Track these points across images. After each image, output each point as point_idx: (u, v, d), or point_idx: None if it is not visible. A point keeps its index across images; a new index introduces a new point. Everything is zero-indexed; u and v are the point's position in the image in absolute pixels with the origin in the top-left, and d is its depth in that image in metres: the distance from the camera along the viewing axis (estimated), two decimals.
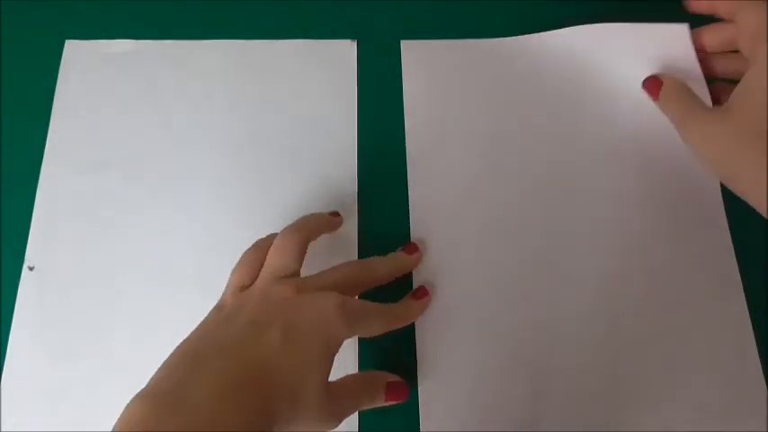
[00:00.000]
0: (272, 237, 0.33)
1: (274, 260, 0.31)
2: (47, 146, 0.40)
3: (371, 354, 0.35)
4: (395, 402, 0.32)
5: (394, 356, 0.35)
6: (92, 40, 0.43)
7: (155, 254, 0.38)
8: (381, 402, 0.32)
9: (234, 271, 0.32)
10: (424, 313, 0.35)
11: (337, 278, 0.31)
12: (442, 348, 0.35)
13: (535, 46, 0.41)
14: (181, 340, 0.36)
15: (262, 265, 0.32)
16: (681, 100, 0.35)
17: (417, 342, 0.35)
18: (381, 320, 0.32)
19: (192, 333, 0.29)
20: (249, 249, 0.33)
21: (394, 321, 0.33)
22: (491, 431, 0.33)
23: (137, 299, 0.37)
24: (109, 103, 0.41)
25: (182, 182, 0.39)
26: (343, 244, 0.37)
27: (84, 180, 0.39)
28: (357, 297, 0.34)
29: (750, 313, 0.34)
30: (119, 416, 0.25)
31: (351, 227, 0.38)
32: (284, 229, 0.32)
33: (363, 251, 0.37)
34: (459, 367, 0.34)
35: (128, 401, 0.26)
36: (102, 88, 0.42)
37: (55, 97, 0.41)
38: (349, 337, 0.29)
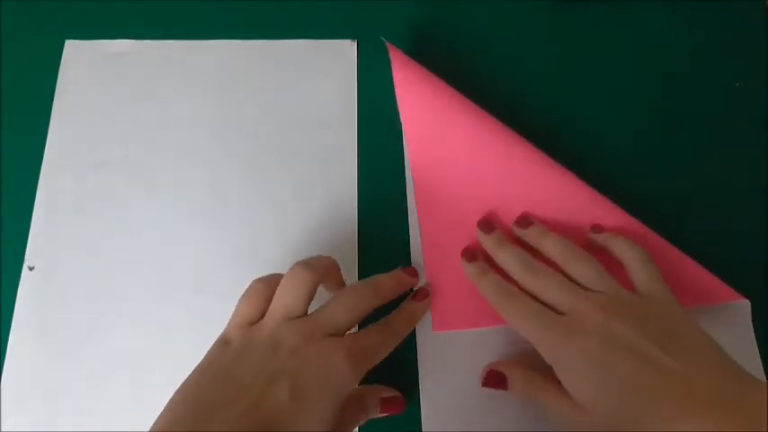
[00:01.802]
0: (280, 275, 0.32)
1: (284, 298, 0.30)
2: (47, 146, 0.40)
3: None
4: (391, 414, 0.32)
5: (394, 357, 0.35)
6: (92, 40, 0.43)
7: (154, 254, 0.38)
8: (377, 415, 0.32)
9: (241, 302, 0.31)
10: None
11: (346, 311, 0.31)
12: (442, 349, 0.35)
13: None
14: (180, 340, 0.36)
15: (269, 300, 0.31)
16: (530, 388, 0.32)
17: (417, 342, 0.35)
18: (387, 347, 0.31)
19: (198, 371, 0.29)
20: (258, 282, 0.32)
21: (398, 338, 0.32)
22: (491, 431, 0.33)
23: (136, 299, 0.37)
24: (109, 103, 0.41)
25: (182, 182, 0.39)
26: (344, 244, 0.37)
27: (84, 180, 0.39)
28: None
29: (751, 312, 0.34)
30: None
31: (351, 226, 0.38)
32: (296, 265, 0.31)
33: (363, 250, 0.37)
34: (459, 367, 0.34)
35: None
36: (102, 88, 0.42)
37: (55, 97, 0.41)
38: (359, 378, 0.29)
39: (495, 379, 0.33)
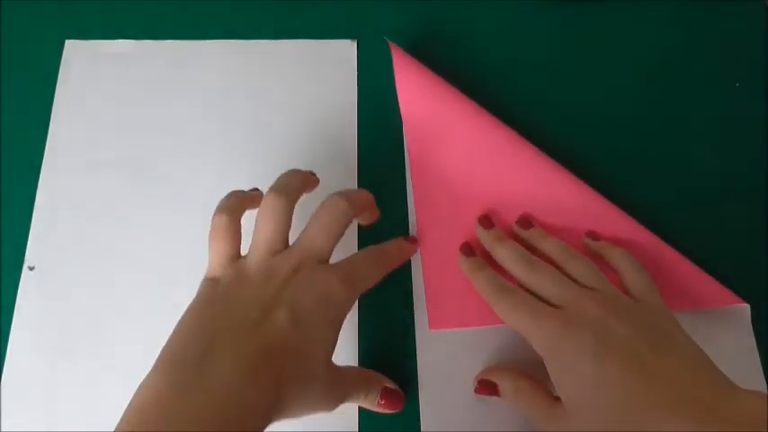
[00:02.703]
0: (237, 196, 0.32)
1: (264, 233, 0.30)
2: (47, 146, 0.40)
3: (372, 354, 0.35)
4: (388, 411, 0.32)
5: (394, 357, 0.35)
6: (92, 40, 0.43)
7: (155, 254, 0.38)
8: (374, 403, 0.32)
9: (212, 240, 0.31)
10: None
11: (328, 238, 0.31)
12: (441, 348, 0.35)
13: None
14: None
15: (239, 230, 0.31)
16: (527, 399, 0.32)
17: (417, 342, 0.35)
18: (378, 274, 0.32)
19: (193, 308, 0.29)
20: (222, 215, 0.31)
21: (387, 269, 0.33)
22: (491, 431, 0.33)
23: (136, 299, 0.37)
24: (109, 103, 0.41)
25: (182, 182, 0.39)
26: (343, 242, 0.37)
27: (84, 180, 0.39)
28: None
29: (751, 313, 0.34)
30: (138, 388, 0.26)
31: (351, 226, 0.38)
32: (267, 194, 0.31)
33: None
34: (458, 367, 0.34)
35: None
36: (102, 88, 0.42)
37: (55, 97, 0.41)
38: (354, 301, 0.30)
39: (486, 387, 0.33)
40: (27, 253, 0.38)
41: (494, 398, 0.33)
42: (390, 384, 0.33)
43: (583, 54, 0.43)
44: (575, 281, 0.31)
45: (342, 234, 0.31)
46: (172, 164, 0.40)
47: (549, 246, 0.33)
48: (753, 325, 0.34)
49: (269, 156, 0.40)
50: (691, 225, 0.38)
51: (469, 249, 0.35)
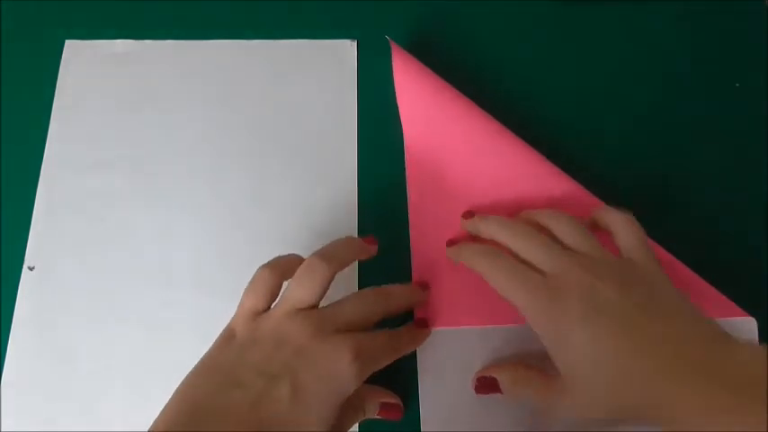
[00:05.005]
0: (292, 257, 0.32)
1: (296, 292, 0.30)
2: (47, 146, 0.40)
3: None
4: (387, 419, 0.32)
5: None
6: (92, 40, 0.43)
7: (155, 254, 0.38)
8: (374, 416, 0.32)
9: (247, 291, 0.30)
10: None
11: (356, 313, 0.30)
12: (441, 349, 0.35)
13: None
14: (180, 340, 0.36)
15: (278, 289, 0.30)
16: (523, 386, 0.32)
17: None
18: (391, 355, 0.31)
19: (199, 367, 0.29)
20: (265, 270, 0.31)
21: (400, 353, 0.32)
22: (491, 431, 0.33)
23: (136, 299, 0.37)
24: (109, 103, 0.41)
25: (182, 182, 0.39)
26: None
27: (84, 180, 0.39)
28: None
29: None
30: None
31: (351, 227, 0.38)
32: (313, 256, 0.30)
33: None
34: (458, 367, 0.34)
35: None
36: (102, 88, 0.42)
37: (55, 97, 0.41)
38: (361, 381, 0.29)
39: (486, 384, 0.33)
40: (27, 253, 0.38)
41: (494, 398, 0.33)
42: (388, 398, 0.32)
43: (583, 54, 0.43)
44: (561, 242, 0.31)
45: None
46: (171, 163, 0.40)
47: (541, 213, 0.33)
48: (760, 340, 0.33)
49: (269, 156, 0.40)
50: (690, 225, 0.38)
51: (454, 242, 0.36)
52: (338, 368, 0.28)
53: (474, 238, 0.35)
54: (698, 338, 0.26)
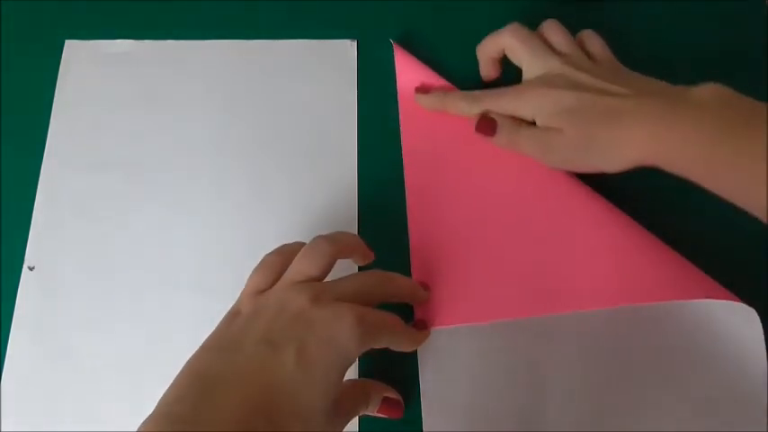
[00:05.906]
0: (297, 244, 0.32)
1: (298, 265, 0.30)
2: (47, 146, 0.40)
3: (372, 354, 0.35)
4: (388, 417, 0.32)
5: (395, 356, 0.35)
6: (92, 40, 0.43)
7: (154, 254, 0.38)
8: (375, 412, 0.32)
9: (252, 273, 0.31)
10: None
11: (356, 288, 0.31)
12: (442, 348, 0.35)
13: None
14: (180, 340, 0.35)
15: (282, 271, 0.31)
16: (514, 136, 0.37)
17: None
18: (392, 336, 0.31)
19: (205, 346, 0.29)
20: (272, 253, 0.32)
21: (401, 343, 0.32)
22: (492, 431, 0.33)
23: (136, 299, 0.37)
24: (109, 103, 0.41)
25: (182, 182, 0.39)
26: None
27: (84, 180, 0.39)
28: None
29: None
30: None
31: (350, 226, 0.38)
32: (317, 236, 0.31)
33: None
34: (459, 366, 0.34)
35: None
36: (102, 88, 0.42)
37: (55, 97, 0.41)
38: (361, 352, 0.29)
39: (485, 124, 0.36)
40: (27, 253, 0.38)
41: (495, 398, 0.33)
42: (390, 393, 0.32)
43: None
44: (553, 48, 0.37)
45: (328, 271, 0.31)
46: (171, 163, 0.40)
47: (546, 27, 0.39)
48: (765, 332, 0.33)
49: (268, 155, 0.40)
50: (690, 225, 0.38)
51: (424, 88, 0.40)
52: (340, 332, 0.28)
53: (470, 231, 0.37)
54: (662, 85, 0.34)
